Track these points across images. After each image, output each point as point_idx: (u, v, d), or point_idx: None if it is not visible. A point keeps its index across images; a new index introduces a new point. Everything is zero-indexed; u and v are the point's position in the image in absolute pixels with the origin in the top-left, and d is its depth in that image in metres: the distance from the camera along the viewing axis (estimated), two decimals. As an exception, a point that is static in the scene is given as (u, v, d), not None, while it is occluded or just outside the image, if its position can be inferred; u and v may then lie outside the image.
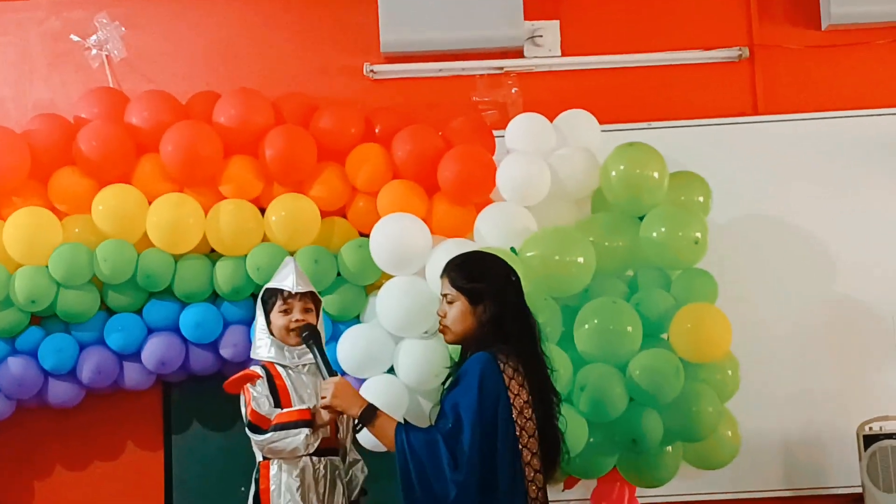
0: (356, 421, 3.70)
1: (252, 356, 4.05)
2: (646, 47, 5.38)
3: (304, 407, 3.80)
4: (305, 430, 3.74)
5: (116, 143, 4.66)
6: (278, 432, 3.76)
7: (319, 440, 3.79)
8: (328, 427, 3.86)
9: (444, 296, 3.75)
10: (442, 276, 3.78)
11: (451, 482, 3.48)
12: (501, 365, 3.56)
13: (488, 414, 3.51)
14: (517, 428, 3.54)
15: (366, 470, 4.03)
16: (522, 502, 3.53)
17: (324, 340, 4.03)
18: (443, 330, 3.77)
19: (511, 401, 3.54)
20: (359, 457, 4.04)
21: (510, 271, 3.77)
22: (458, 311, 3.70)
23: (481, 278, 3.70)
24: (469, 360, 3.63)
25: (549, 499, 3.73)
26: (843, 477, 4.99)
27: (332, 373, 3.82)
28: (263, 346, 3.99)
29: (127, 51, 5.25)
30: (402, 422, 3.68)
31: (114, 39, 5.24)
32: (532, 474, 3.57)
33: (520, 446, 3.54)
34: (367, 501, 4.06)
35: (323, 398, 3.72)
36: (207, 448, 5.02)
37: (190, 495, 5.01)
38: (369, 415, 3.66)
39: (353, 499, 3.98)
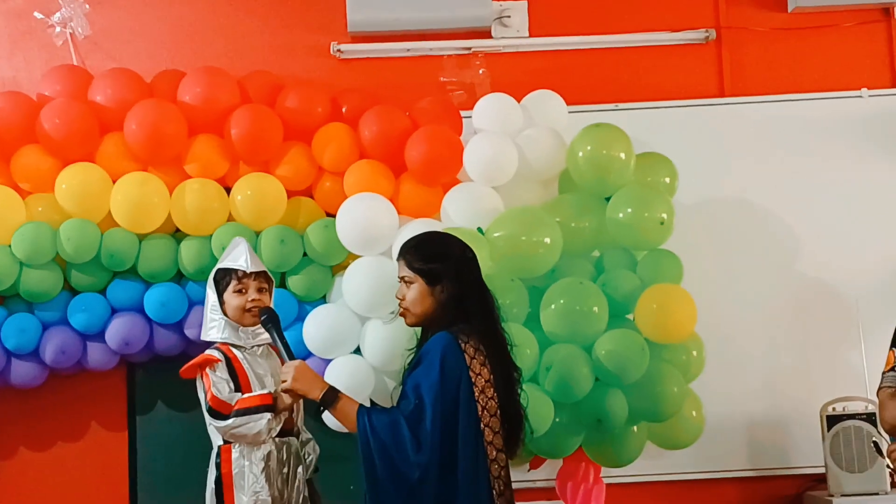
0: (318, 404, 3.70)
1: (203, 338, 4.01)
2: (613, 29, 5.39)
3: (265, 391, 3.79)
4: (267, 415, 3.73)
5: (80, 122, 4.62)
6: (240, 417, 3.75)
7: (281, 423, 3.79)
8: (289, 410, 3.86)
9: (402, 278, 3.75)
10: (398, 259, 3.78)
11: (414, 464, 3.48)
12: (462, 344, 3.56)
13: (450, 394, 3.51)
14: (479, 407, 3.54)
15: (317, 448, 4.02)
16: (485, 481, 3.53)
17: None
18: (403, 313, 3.76)
19: (473, 380, 3.54)
20: (310, 435, 4.04)
21: (466, 249, 3.77)
22: (416, 293, 3.70)
23: (437, 258, 3.69)
24: (430, 341, 3.63)
25: (516, 479, 3.74)
26: (807, 457, 5.03)
27: (291, 356, 3.81)
28: (216, 328, 3.96)
29: (91, 28, 5.21)
30: (368, 403, 3.67)
31: (78, 17, 5.20)
32: (494, 453, 3.57)
33: (482, 426, 3.54)
34: (318, 478, 4.05)
35: (283, 382, 3.71)
36: (172, 429, 4.99)
37: (154, 476, 4.99)
38: (331, 397, 3.65)
39: (308, 477, 3.98)
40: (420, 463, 3.47)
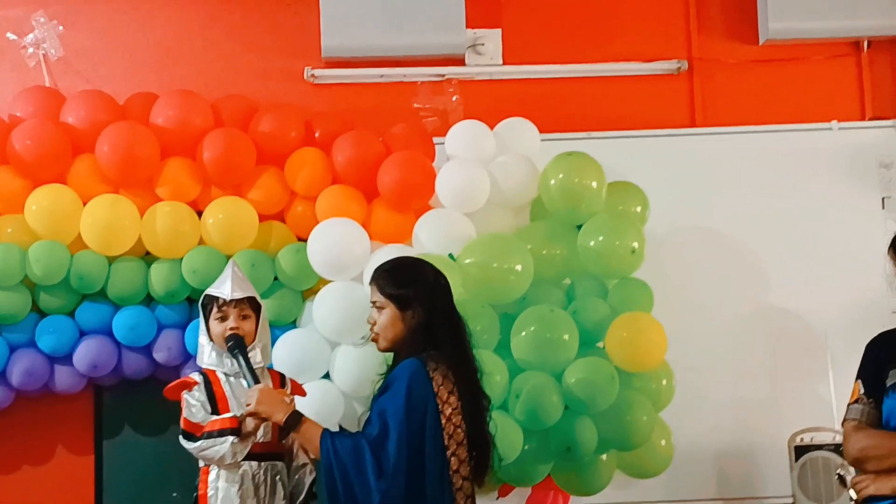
0: (281, 427, 3.68)
1: (197, 362, 4.02)
2: (586, 58, 5.42)
3: (231, 415, 3.78)
4: (231, 438, 3.71)
5: (51, 143, 4.60)
6: (207, 440, 3.74)
7: (249, 447, 3.76)
8: (269, 432, 3.84)
9: (374, 303, 3.74)
10: (371, 284, 3.77)
11: (375, 490, 3.45)
12: (430, 371, 3.55)
13: (416, 421, 3.49)
14: (445, 436, 3.53)
15: (314, 473, 3.97)
16: None
17: (269, 342, 4.04)
18: (374, 338, 3.75)
19: (440, 408, 3.53)
20: (307, 461, 3.99)
21: (438, 275, 3.76)
22: (387, 318, 3.69)
23: (409, 284, 3.69)
24: (398, 367, 3.62)
25: (485, 507, 3.74)
26: (775, 487, 5.03)
27: (256, 380, 3.80)
28: (205, 353, 3.97)
29: (64, 50, 5.20)
30: (337, 429, 3.66)
31: (51, 38, 5.18)
32: (460, 482, 3.55)
33: (448, 454, 3.53)
34: None
35: (248, 405, 3.70)
36: (139, 453, 4.95)
37: (120, 500, 4.94)
38: (294, 421, 3.64)
39: (299, 503, 3.94)
40: (381, 489, 3.45)
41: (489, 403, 3.77)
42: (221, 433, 3.72)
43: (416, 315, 3.66)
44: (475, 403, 3.67)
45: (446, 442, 3.52)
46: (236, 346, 3.88)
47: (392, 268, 3.78)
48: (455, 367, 3.62)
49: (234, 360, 3.88)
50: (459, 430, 3.57)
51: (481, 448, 3.67)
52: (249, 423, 3.72)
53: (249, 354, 3.90)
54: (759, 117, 5.37)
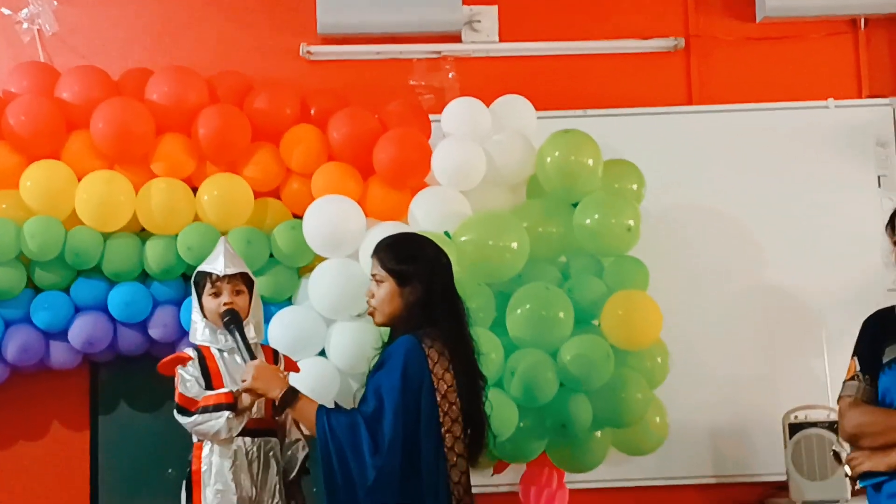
0: (275, 403, 3.69)
1: (190, 339, 4.02)
2: (583, 35, 5.40)
3: (227, 390, 3.78)
4: (226, 413, 3.72)
5: (46, 119, 4.58)
6: (202, 415, 3.75)
7: (244, 423, 3.77)
8: (262, 408, 3.85)
9: (373, 276, 3.75)
10: (372, 257, 3.78)
11: (370, 466, 3.46)
12: (426, 349, 3.56)
13: (411, 398, 3.50)
14: (440, 413, 3.54)
15: (307, 448, 3.99)
16: (444, 487, 3.52)
17: (262, 319, 4.03)
18: (371, 312, 3.76)
19: (435, 385, 3.54)
20: (300, 436, 4.01)
21: (440, 254, 3.77)
22: (385, 293, 3.70)
23: (410, 260, 3.69)
24: (394, 344, 3.63)
25: (480, 483, 3.73)
26: (769, 464, 5.04)
27: (252, 356, 3.80)
28: (198, 329, 3.97)
29: (59, 25, 5.18)
30: (333, 405, 3.66)
31: (46, 13, 5.16)
32: (455, 459, 3.56)
33: (443, 431, 3.53)
34: (308, 480, 4.03)
35: (243, 381, 3.71)
36: (134, 429, 4.96)
37: (116, 476, 4.95)
38: (290, 397, 3.65)
39: (292, 478, 3.96)
40: (377, 465, 3.46)
41: (485, 383, 3.78)
42: (217, 408, 3.73)
43: (414, 291, 3.66)
44: (471, 382, 3.67)
45: (441, 419, 3.53)
46: (232, 321, 3.88)
47: (394, 242, 3.79)
48: (451, 345, 3.62)
49: (230, 336, 3.88)
50: (454, 408, 3.58)
51: (476, 426, 3.68)
52: (245, 399, 3.73)
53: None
54: (755, 95, 5.36)
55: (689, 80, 5.40)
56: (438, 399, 3.54)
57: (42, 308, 4.63)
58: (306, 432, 3.88)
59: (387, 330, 3.80)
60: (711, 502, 5.16)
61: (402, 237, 3.87)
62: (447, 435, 3.55)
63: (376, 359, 3.71)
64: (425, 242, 3.83)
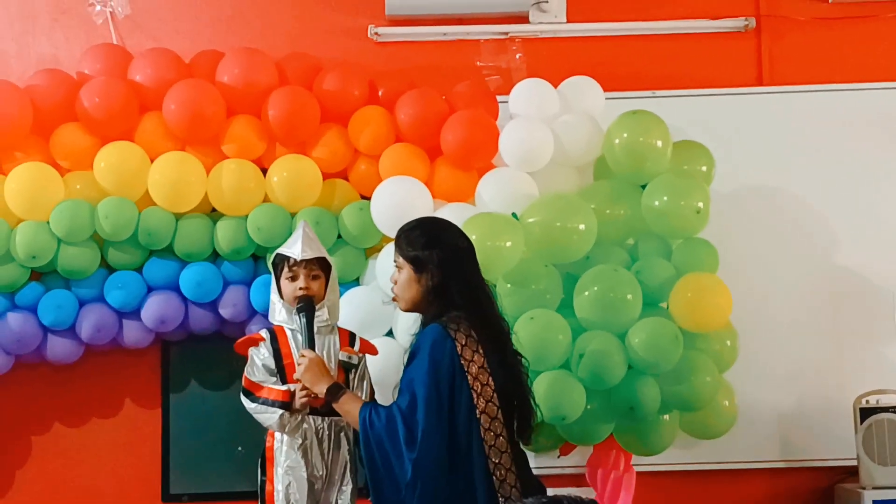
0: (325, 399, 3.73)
1: (269, 319, 4.05)
2: (651, 15, 5.37)
3: (285, 388, 3.82)
4: (280, 412, 3.78)
5: (119, 100, 4.64)
6: (261, 405, 3.82)
7: (298, 421, 3.82)
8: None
9: (395, 262, 3.75)
10: (394, 242, 3.78)
11: (407, 460, 3.47)
12: (453, 332, 3.54)
13: (443, 385, 3.50)
14: (474, 395, 3.52)
15: None
16: (483, 469, 3.51)
17: (337, 301, 4.05)
18: (394, 298, 3.77)
19: (465, 368, 3.52)
20: None
21: (459, 238, 3.74)
22: (405, 279, 3.69)
23: (426, 246, 3.65)
24: (421, 334, 3.63)
25: (546, 465, 3.70)
26: (839, 449, 4.99)
27: (312, 345, 3.83)
28: (276, 310, 4.00)
29: (131, 8, 5.23)
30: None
31: (118, -4, 5.22)
32: (493, 439, 3.54)
33: (478, 413, 3.52)
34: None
35: (298, 365, 3.76)
36: (205, 407, 5.02)
37: (187, 453, 5.01)
38: (335, 393, 3.68)
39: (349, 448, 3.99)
40: (413, 459, 3.46)
41: (522, 361, 3.73)
42: (273, 404, 3.79)
43: (431, 278, 3.64)
44: (505, 361, 3.64)
45: (476, 400, 3.53)
46: (303, 309, 3.90)
47: (411, 229, 3.75)
48: (478, 328, 3.59)
49: (300, 322, 3.91)
50: (487, 388, 3.55)
51: (520, 404, 3.66)
52: (298, 399, 3.77)
53: (317, 313, 3.92)
54: (827, 76, 5.29)
55: (760, 60, 5.33)
56: (470, 381, 3.52)
57: (115, 287, 4.70)
58: (353, 428, 3.88)
59: None
60: (779, 487, 5.13)
61: (421, 223, 3.80)
62: (482, 416, 3.52)
63: (410, 346, 3.69)
64: (443, 228, 3.77)
